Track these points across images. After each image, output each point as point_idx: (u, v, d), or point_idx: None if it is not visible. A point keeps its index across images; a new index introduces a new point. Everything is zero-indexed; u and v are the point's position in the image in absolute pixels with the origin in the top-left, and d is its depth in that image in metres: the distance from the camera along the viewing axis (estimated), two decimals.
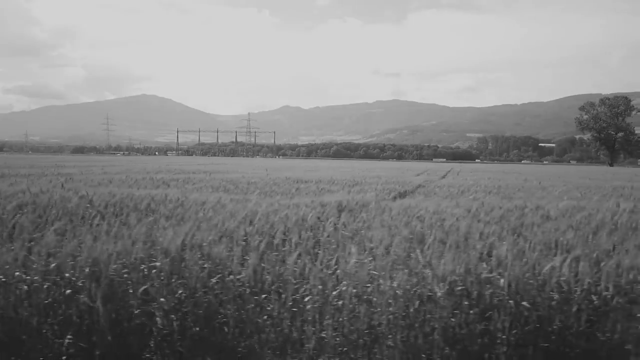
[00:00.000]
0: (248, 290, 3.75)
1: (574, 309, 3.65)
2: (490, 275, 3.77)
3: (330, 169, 35.78)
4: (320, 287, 3.74)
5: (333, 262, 3.94)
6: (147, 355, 3.84)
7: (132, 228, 4.21)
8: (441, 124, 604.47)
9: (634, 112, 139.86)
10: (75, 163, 38.71)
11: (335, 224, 5.36)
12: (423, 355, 3.72)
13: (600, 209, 6.46)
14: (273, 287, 3.74)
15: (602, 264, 3.82)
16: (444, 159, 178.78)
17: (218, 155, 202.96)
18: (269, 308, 3.75)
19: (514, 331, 3.64)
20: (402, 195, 12.11)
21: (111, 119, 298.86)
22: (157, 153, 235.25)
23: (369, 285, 3.74)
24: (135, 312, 3.75)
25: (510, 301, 3.65)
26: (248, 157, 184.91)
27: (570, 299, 3.66)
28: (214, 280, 3.77)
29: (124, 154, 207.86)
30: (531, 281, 3.68)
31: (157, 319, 3.77)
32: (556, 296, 3.68)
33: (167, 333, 3.75)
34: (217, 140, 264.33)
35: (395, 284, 3.70)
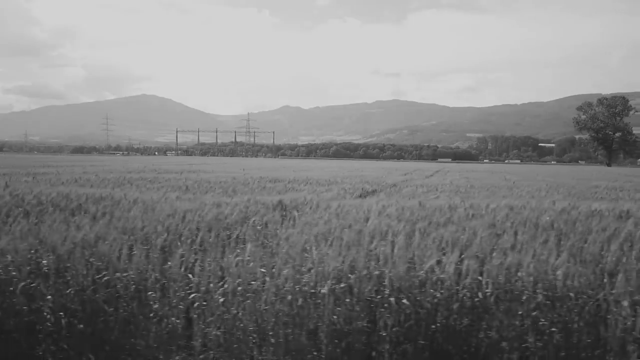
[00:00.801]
0: (133, 288, 3.76)
1: (455, 306, 3.67)
2: (377, 272, 3.79)
3: (320, 169, 35.80)
4: (206, 284, 3.75)
5: (226, 259, 3.96)
6: (40, 354, 3.86)
7: (32, 225, 4.23)
8: (441, 124, 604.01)
9: (631, 112, 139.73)
10: (65, 163, 38.76)
11: (255, 222, 5.37)
12: (310, 353, 3.73)
13: (535, 208, 6.46)
14: (157, 285, 3.75)
15: (488, 262, 3.83)
16: (449, 159, 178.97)
17: (217, 156, 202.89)
18: (155, 305, 3.77)
19: (394, 328, 3.65)
20: (367, 194, 12.13)
21: (111, 119, 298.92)
22: (156, 153, 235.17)
23: (253, 282, 3.76)
24: (23, 309, 3.76)
25: (392, 298, 3.66)
26: (247, 157, 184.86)
27: (451, 296, 3.68)
28: (99, 278, 3.79)
29: (123, 154, 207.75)
30: (413, 279, 3.70)
31: (47, 316, 3.79)
32: (438, 294, 3.69)
33: (53, 330, 3.77)
34: (216, 141, 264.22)
35: (280, 281, 3.72)
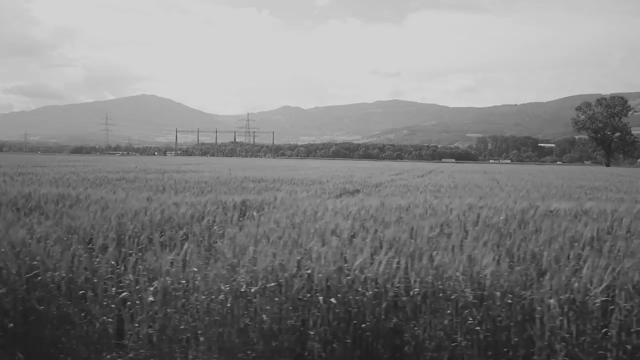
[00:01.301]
0: (64, 287, 3.77)
1: (384, 305, 3.68)
2: (309, 271, 3.79)
3: (312, 169, 35.84)
4: (141, 282, 3.77)
5: (163, 258, 3.96)
6: None
7: None
8: (441, 124, 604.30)
9: (630, 113, 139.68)
10: (58, 163, 38.79)
11: (209, 222, 5.38)
12: (241, 352, 3.74)
13: (493, 207, 6.48)
14: (88, 285, 3.77)
15: (419, 261, 3.84)
16: (453, 160, 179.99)
17: (216, 156, 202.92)
18: (86, 304, 3.78)
19: (322, 327, 3.66)
20: (345, 194, 12.14)
21: (111, 119, 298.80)
22: (156, 153, 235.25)
23: (183, 281, 3.77)
24: None
25: (320, 297, 3.67)
26: (247, 157, 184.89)
27: (380, 295, 3.68)
28: (32, 277, 3.80)
29: (122, 154, 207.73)
30: (342, 278, 3.70)
31: None
32: (369, 293, 3.70)
33: None
34: (216, 141, 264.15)
35: (209, 280, 3.73)
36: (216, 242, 4.54)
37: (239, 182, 13.89)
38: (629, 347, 3.58)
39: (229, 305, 3.72)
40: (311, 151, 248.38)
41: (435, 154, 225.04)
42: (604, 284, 3.58)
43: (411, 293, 3.72)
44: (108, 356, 3.76)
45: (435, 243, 4.40)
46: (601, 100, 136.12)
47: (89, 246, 4.46)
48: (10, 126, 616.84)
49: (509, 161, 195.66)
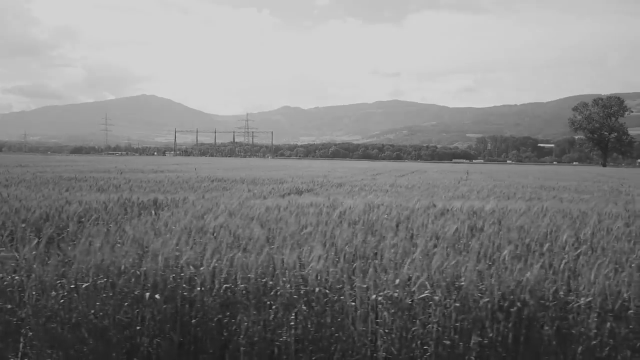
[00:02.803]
0: None
1: (210, 301, 3.74)
2: (144, 268, 3.86)
3: (294, 169, 35.98)
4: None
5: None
6: None
7: None
8: (441, 124, 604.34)
9: (627, 113, 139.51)
10: (45, 163, 38.95)
11: (97, 219, 5.45)
12: (72, 348, 3.81)
13: (392, 205, 6.55)
14: None
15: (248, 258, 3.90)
16: (467, 161, 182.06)
17: (215, 156, 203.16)
18: None
19: (146, 323, 3.73)
20: (293, 193, 12.21)
21: (110, 119, 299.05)
22: (155, 153, 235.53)
23: (17, 277, 3.84)
24: None
25: (147, 293, 3.74)
26: (246, 157, 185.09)
27: (207, 292, 3.75)
28: None
29: (121, 154, 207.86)
30: (168, 274, 3.77)
31: None
32: (198, 289, 3.77)
33: None
34: (215, 141, 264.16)
35: (41, 274, 3.80)
36: (74, 240, 4.60)
37: (194, 182, 13.97)
38: (447, 342, 3.65)
39: (62, 301, 3.79)
40: (310, 151, 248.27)
41: (435, 155, 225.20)
42: (420, 280, 3.65)
43: (235, 289, 3.78)
44: None
45: (292, 240, 4.46)
46: (598, 101, 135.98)
47: None
48: (10, 126, 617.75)
49: (511, 162, 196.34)
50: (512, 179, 24.45)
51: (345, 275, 3.75)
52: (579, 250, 4.54)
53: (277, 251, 3.95)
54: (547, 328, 3.65)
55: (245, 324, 3.74)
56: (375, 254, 4.25)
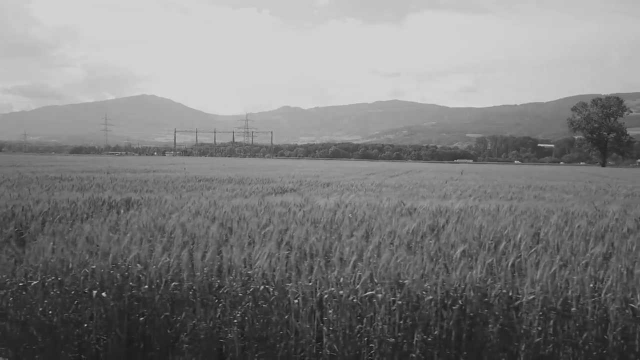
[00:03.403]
0: None
1: (157, 299, 3.77)
2: (93, 267, 3.89)
3: (289, 169, 35.98)
4: None
5: None
6: None
7: None
8: (441, 124, 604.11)
9: (626, 113, 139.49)
10: (41, 163, 38.96)
11: (59, 218, 5.48)
12: (22, 346, 3.84)
13: (361, 204, 6.59)
14: None
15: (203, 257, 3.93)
16: (472, 161, 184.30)
17: (215, 156, 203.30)
18: None
19: (92, 321, 3.76)
20: (279, 193, 12.24)
21: (110, 119, 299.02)
22: (155, 153, 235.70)
23: None
24: None
25: (94, 291, 3.77)
26: (245, 157, 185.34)
27: (155, 289, 3.78)
28: None
29: (121, 154, 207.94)
30: (115, 273, 3.80)
31: None
32: (146, 287, 3.80)
33: None
34: (215, 141, 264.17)
35: None
36: (34, 239, 4.63)
37: (180, 182, 13.99)
38: (391, 339, 3.67)
39: (11, 299, 3.82)
40: (310, 151, 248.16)
41: (435, 155, 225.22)
42: (363, 278, 3.67)
43: (180, 286, 3.81)
44: None
45: (248, 239, 4.50)
46: (597, 101, 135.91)
47: None
48: (10, 126, 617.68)
49: (519, 162, 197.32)
50: (504, 179, 24.46)
51: (293, 274, 3.78)
52: (533, 249, 4.56)
53: (230, 250, 3.98)
54: (490, 326, 3.68)
55: (193, 321, 3.77)
56: (328, 252, 4.27)
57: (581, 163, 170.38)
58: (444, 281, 3.70)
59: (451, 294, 3.68)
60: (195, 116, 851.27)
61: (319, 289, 3.72)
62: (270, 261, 3.81)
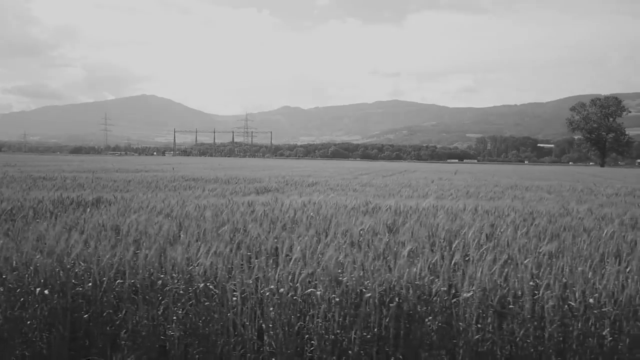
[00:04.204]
0: None
1: (100, 296, 3.81)
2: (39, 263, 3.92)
3: (284, 169, 36.05)
4: None
5: None
6: None
7: None
8: (440, 124, 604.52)
9: (624, 113, 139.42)
10: (36, 163, 39.04)
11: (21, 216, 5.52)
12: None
13: (331, 203, 6.62)
14: None
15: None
16: (476, 161, 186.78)
17: (214, 156, 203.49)
18: None
19: (40, 318, 3.80)
20: (262, 192, 12.29)
21: (110, 119, 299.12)
22: (155, 153, 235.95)
23: None
24: None
25: (38, 288, 3.81)
26: (245, 157, 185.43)
27: (96, 287, 3.82)
28: None
29: (120, 154, 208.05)
30: (58, 270, 3.84)
31: None
32: (89, 285, 3.84)
33: None
34: (214, 141, 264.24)
35: None
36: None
37: (165, 182, 14.04)
38: (330, 336, 3.70)
39: None
40: (310, 151, 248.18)
41: (435, 155, 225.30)
42: (302, 276, 3.71)
43: (125, 285, 3.84)
44: None
45: (204, 237, 4.54)
46: (595, 101, 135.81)
47: None
48: (10, 126, 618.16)
49: (528, 162, 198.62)
50: (495, 178, 24.51)
51: (237, 272, 3.81)
52: (483, 247, 4.60)
53: (174, 248, 4.01)
54: (429, 323, 3.71)
55: (135, 318, 3.81)
56: (276, 249, 4.31)
57: (590, 163, 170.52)
58: (384, 279, 3.73)
59: (389, 291, 3.71)
60: (195, 116, 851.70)
61: (260, 286, 3.75)
62: (213, 259, 3.85)
